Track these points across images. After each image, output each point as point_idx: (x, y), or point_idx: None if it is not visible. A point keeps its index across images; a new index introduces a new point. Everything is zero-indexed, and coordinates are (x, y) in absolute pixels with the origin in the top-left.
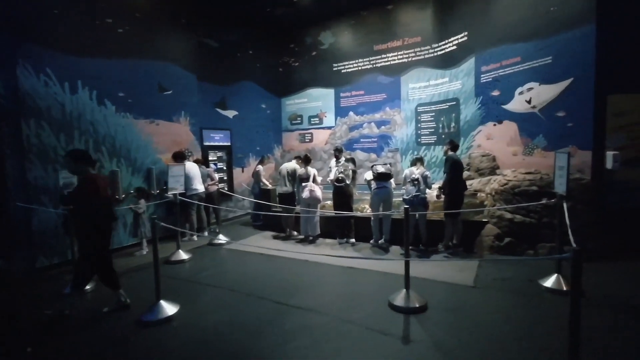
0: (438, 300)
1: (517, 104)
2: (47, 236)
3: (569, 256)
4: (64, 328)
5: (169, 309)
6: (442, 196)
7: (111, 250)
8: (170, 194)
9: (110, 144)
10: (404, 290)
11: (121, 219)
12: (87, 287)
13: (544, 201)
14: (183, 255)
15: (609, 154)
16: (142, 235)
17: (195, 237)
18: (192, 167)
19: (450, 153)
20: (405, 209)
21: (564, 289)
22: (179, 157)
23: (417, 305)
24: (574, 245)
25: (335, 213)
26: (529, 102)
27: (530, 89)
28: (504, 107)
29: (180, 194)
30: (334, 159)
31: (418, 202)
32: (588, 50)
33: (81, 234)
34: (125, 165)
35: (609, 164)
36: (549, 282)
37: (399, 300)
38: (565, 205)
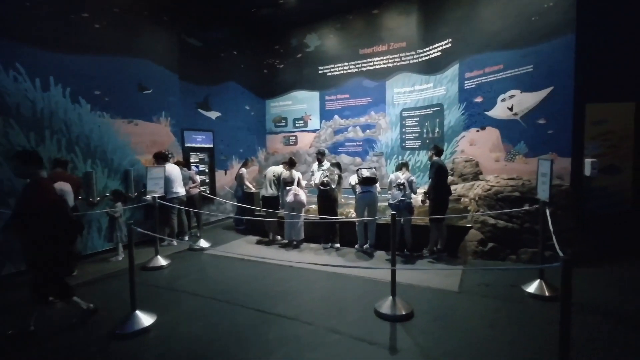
0: (424, 307)
1: (499, 111)
2: (14, 241)
3: (559, 265)
4: (30, 346)
5: (145, 319)
6: (427, 201)
7: (75, 258)
8: (148, 197)
9: (85, 144)
10: (390, 297)
11: (96, 223)
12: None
13: (526, 207)
14: (162, 261)
15: (587, 161)
16: (118, 240)
17: (175, 242)
18: (173, 169)
19: (435, 158)
20: (392, 215)
21: (547, 294)
22: (160, 158)
23: (404, 313)
24: (559, 252)
25: (320, 218)
26: (510, 109)
27: (512, 96)
28: (487, 113)
29: (160, 197)
30: (316, 163)
31: (404, 207)
32: (568, 60)
33: (30, 243)
34: (100, 167)
35: (587, 171)
36: (532, 287)
37: (385, 307)
38: (547, 211)
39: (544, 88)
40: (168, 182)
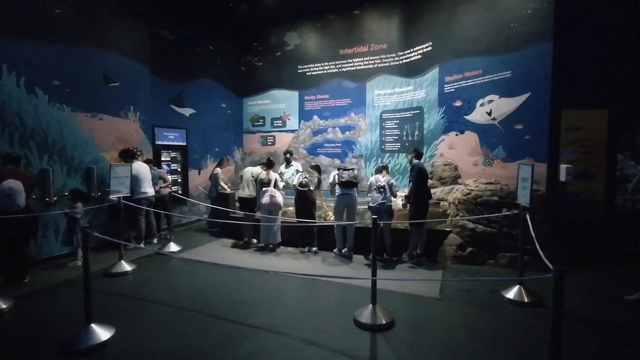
0: (405, 315)
1: (478, 115)
2: None
3: (550, 277)
4: None
5: (101, 333)
6: (408, 205)
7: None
8: (112, 197)
9: (41, 139)
10: (370, 306)
11: (52, 224)
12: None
13: (507, 212)
14: (126, 266)
15: (563, 167)
16: (77, 243)
17: (142, 245)
18: (141, 168)
19: (415, 161)
20: (374, 219)
21: (525, 300)
22: (127, 155)
23: (384, 322)
24: (545, 261)
25: (297, 221)
26: (489, 113)
27: (490, 101)
28: (466, 117)
29: (126, 198)
30: (284, 163)
31: (384, 210)
32: (545, 67)
33: None
34: (59, 164)
35: (562, 177)
36: (511, 293)
37: (365, 316)
38: (528, 217)
39: (521, 94)
40: (136, 181)
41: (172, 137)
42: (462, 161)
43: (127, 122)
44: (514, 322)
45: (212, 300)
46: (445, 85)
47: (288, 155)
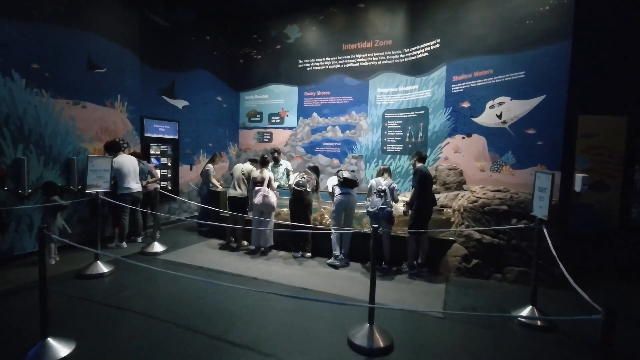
0: (405, 337)
1: (487, 118)
2: None
3: (599, 318)
4: None
5: (59, 348)
6: (410, 211)
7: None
8: (90, 191)
9: (16, 126)
10: (367, 325)
11: (26, 219)
12: None
13: (522, 224)
14: (102, 267)
15: (578, 176)
16: (56, 236)
17: (124, 245)
18: (127, 161)
19: (418, 165)
20: (374, 228)
21: (539, 324)
22: (112, 148)
23: (382, 346)
24: (591, 302)
25: (292, 224)
26: (499, 116)
27: (501, 104)
28: (474, 120)
29: (107, 193)
30: (272, 162)
31: (383, 216)
32: (562, 68)
33: None
34: (35, 154)
35: (577, 187)
36: (523, 314)
37: (361, 338)
38: (546, 230)
39: (535, 96)
40: (120, 175)
41: (162, 130)
42: (467, 166)
43: (112, 112)
44: (526, 349)
45: (191, 309)
46: (453, 85)
47: (276, 154)
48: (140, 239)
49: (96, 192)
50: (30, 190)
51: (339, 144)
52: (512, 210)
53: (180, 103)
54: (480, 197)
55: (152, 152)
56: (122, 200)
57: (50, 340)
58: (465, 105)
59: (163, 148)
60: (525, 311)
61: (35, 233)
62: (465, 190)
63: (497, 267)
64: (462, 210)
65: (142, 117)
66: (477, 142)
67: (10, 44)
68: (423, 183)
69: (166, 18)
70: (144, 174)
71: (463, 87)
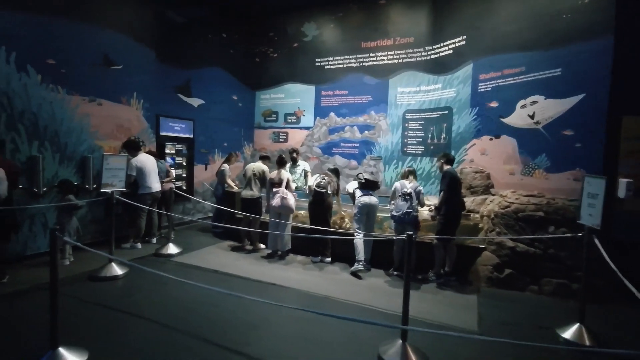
0: (440, 356)
1: (518, 118)
2: None
3: None
4: None
5: (69, 359)
6: (438, 217)
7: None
8: (104, 190)
9: (31, 122)
10: (400, 342)
11: (40, 218)
12: None
13: (568, 234)
14: (116, 269)
15: (622, 182)
16: (69, 238)
17: (139, 245)
18: (147, 160)
19: (446, 167)
20: (409, 236)
21: (587, 343)
22: (132, 147)
23: None
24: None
25: (310, 227)
26: (532, 117)
27: (534, 103)
28: (503, 120)
29: (123, 193)
30: (290, 163)
31: (409, 221)
32: (604, 65)
33: None
34: (51, 151)
35: (621, 193)
36: (569, 333)
37: (392, 355)
38: (597, 241)
39: (573, 95)
40: (142, 175)
41: (177, 129)
42: (495, 169)
43: (128, 109)
44: None
45: (204, 318)
46: (480, 84)
47: (294, 154)
48: (154, 240)
49: (111, 191)
50: (45, 189)
51: (357, 145)
52: (550, 217)
53: (195, 101)
54: (512, 202)
55: (167, 151)
56: (143, 199)
57: (61, 350)
58: (493, 104)
59: (178, 147)
60: (571, 330)
61: (49, 232)
62: (493, 195)
63: (533, 278)
64: (492, 216)
65: (157, 115)
66: (506, 144)
67: (27, 38)
68: (453, 186)
69: (182, 15)
70: (162, 173)
71: (491, 85)
